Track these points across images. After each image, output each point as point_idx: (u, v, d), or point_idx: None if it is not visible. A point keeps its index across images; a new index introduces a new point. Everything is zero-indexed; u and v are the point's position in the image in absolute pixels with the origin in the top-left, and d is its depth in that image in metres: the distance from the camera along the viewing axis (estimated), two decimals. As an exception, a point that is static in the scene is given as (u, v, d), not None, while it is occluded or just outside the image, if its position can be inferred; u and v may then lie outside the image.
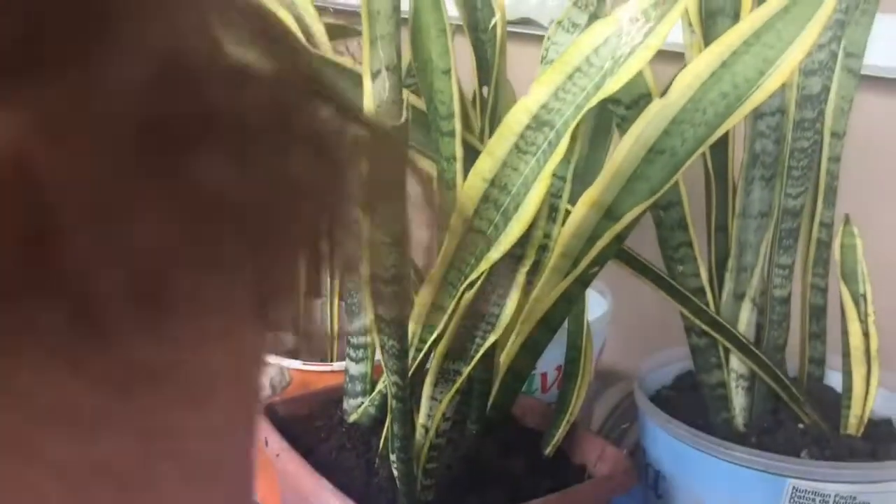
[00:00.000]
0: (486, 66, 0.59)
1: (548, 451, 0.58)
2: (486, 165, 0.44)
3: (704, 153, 0.60)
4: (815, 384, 0.64)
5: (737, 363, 0.59)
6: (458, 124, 0.53)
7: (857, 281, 0.57)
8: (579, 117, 0.42)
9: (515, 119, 0.44)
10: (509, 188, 0.44)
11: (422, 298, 0.47)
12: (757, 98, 0.51)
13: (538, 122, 0.43)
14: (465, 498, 0.50)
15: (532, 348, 0.57)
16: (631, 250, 0.56)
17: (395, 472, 0.47)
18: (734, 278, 0.59)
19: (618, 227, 0.53)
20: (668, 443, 0.58)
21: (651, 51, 0.41)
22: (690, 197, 0.59)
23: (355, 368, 0.59)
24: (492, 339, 0.46)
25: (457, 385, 0.46)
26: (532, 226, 0.45)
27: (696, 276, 0.58)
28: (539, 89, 0.43)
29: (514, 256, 0.46)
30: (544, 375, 0.74)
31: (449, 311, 0.46)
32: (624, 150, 0.53)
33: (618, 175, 0.53)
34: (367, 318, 0.54)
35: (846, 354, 0.57)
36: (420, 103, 0.55)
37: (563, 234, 0.54)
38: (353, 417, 0.58)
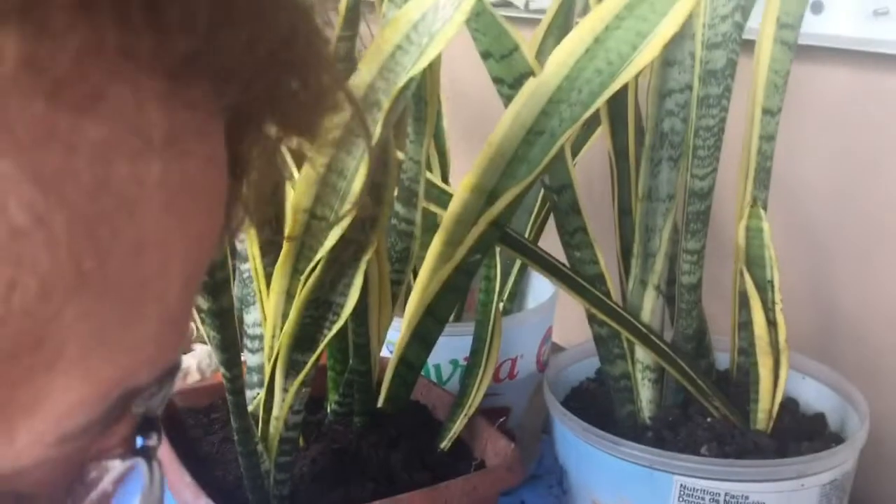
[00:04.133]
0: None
1: (443, 444, 0.56)
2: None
3: (607, 134, 0.57)
4: (745, 377, 0.60)
5: (643, 354, 0.56)
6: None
7: (764, 266, 0.53)
8: (394, 96, 0.40)
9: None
10: (345, 173, 0.43)
11: (274, 287, 0.46)
12: (628, 74, 0.48)
13: (367, 104, 0.41)
14: (327, 492, 0.49)
15: (423, 339, 0.56)
16: (521, 237, 0.54)
17: (241, 466, 0.46)
18: (640, 265, 0.56)
19: (494, 212, 0.51)
20: (567, 437, 0.55)
21: (455, 26, 0.39)
22: (596, 180, 0.56)
23: (252, 359, 0.58)
24: (335, 328, 0.44)
25: (301, 377, 0.45)
26: (375, 211, 0.44)
27: (595, 262, 0.56)
28: (365, 69, 0.41)
29: (357, 243, 0.44)
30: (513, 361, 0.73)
31: (295, 300, 0.44)
32: (502, 131, 0.51)
33: (497, 158, 0.51)
34: (258, 309, 0.53)
35: (751, 345, 0.53)
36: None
37: (447, 221, 0.52)
38: (250, 409, 0.58)
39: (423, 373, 0.62)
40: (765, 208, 0.58)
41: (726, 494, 0.49)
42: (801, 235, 0.73)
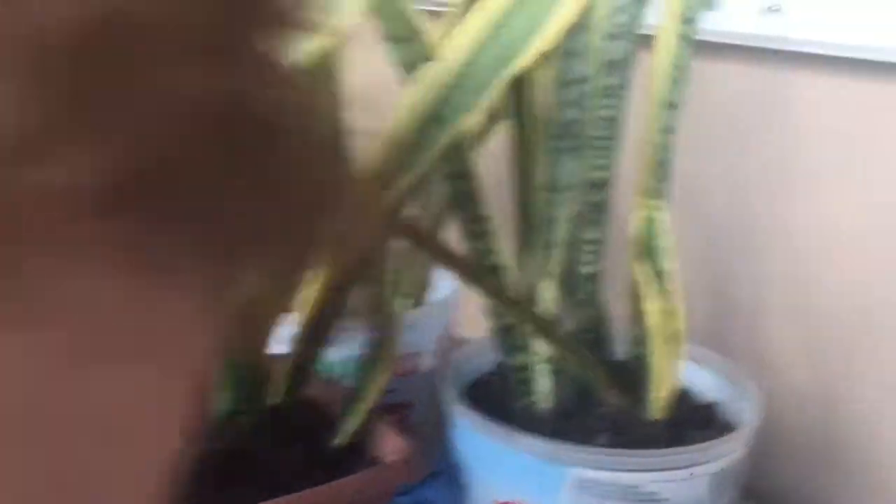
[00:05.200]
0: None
1: (338, 441, 0.54)
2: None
3: (508, 124, 0.56)
4: (643, 366, 0.61)
5: (541, 345, 0.56)
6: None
7: (660, 256, 0.53)
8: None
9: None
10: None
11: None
12: (526, 59, 0.47)
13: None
14: (211, 495, 0.46)
15: (318, 333, 0.54)
16: (419, 227, 0.53)
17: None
18: (540, 255, 0.56)
19: (387, 202, 0.49)
20: (465, 432, 0.55)
21: None
22: (499, 170, 0.56)
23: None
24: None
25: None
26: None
27: (495, 253, 0.55)
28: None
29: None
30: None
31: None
32: (400, 118, 0.49)
33: (394, 147, 0.50)
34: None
35: (639, 339, 0.54)
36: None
37: (342, 210, 0.51)
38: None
39: (320, 369, 0.60)
40: (665, 200, 0.59)
41: (619, 485, 0.49)
42: (701, 229, 0.75)
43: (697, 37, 0.67)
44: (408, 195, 0.50)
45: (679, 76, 0.58)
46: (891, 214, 0.63)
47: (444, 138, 0.49)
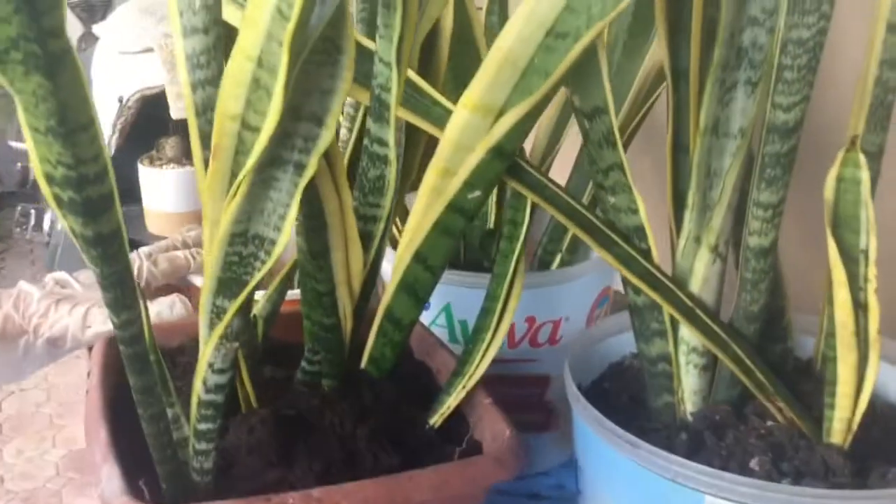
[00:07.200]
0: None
1: (433, 420, 0.46)
2: (249, 40, 0.33)
3: (663, 46, 0.44)
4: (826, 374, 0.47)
5: (689, 332, 0.44)
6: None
7: (858, 230, 0.40)
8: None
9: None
10: (277, 70, 0.33)
11: (205, 213, 0.37)
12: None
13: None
14: (261, 470, 0.40)
15: (411, 291, 0.45)
16: (536, 171, 0.43)
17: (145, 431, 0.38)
18: (695, 218, 0.44)
19: (494, 136, 0.40)
20: (581, 428, 0.45)
21: None
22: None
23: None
24: (264, 269, 0.35)
25: (219, 329, 0.36)
26: (316, 123, 0.34)
27: (633, 211, 0.43)
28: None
29: (293, 163, 0.34)
30: (511, 327, 0.62)
31: (217, 233, 0.35)
32: (513, 33, 0.39)
33: (507, 68, 0.40)
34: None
35: (830, 333, 0.40)
36: None
37: (444, 147, 0.42)
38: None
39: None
40: (880, 156, 0.45)
41: (770, 527, 0.37)
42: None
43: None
44: (519, 129, 0.40)
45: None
46: None
47: (563, 60, 0.38)
